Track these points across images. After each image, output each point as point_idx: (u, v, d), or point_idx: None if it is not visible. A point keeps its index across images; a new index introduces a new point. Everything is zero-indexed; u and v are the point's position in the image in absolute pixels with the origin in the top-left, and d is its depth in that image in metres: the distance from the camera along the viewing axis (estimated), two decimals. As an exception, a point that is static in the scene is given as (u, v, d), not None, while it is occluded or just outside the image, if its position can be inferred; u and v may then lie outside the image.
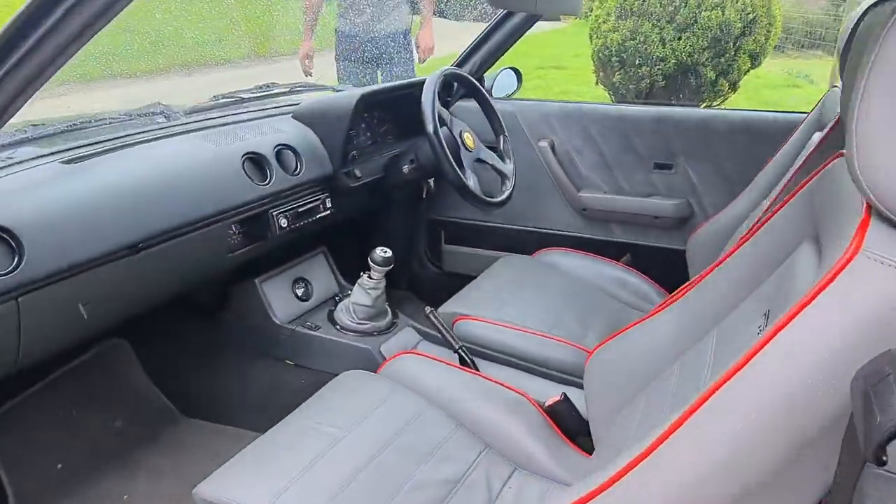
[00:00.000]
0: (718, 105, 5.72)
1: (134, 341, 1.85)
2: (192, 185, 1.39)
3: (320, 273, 1.97)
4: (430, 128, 1.69)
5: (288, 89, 2.01)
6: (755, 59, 5.48)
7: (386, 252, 1.69)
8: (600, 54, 5.69)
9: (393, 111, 2.16)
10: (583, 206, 2.25)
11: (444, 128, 1.78)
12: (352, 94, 1.77)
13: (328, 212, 1.81)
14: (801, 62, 8.99)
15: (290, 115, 1.84)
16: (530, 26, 2.19)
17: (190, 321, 1.92)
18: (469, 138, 1.89)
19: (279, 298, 1.83)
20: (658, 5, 5.15)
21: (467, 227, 2.48)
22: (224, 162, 1.50)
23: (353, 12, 3.52)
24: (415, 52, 3.60)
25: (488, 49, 2.24)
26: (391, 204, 2.31)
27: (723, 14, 5.04)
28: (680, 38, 5.21)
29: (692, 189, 2.13)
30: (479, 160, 1.92)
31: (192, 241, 1.38)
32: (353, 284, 1.79)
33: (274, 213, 1.63)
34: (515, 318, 1.66)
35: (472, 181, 1.79)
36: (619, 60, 5.54)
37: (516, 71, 2.49)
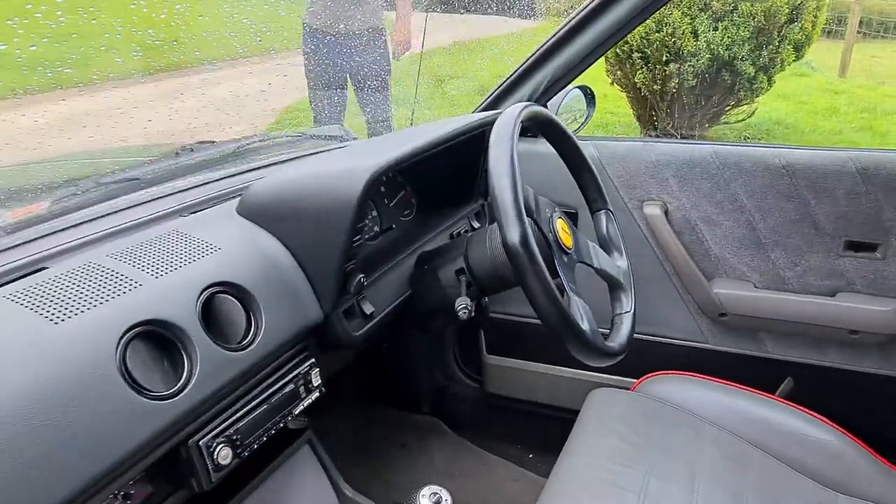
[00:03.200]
0: (750, 103, 4.94)
1: None
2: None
3: (304, 483, 1.10)
4: (515, 237, 0.84)
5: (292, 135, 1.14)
6: (799, 51, 4.70)
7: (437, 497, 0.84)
8: (617, 49, 4.86)
9: (407, 169, 1.30)
10: (717, 305, 1.42)
11: (529, 220, 0.92)
12: (355, 171, 0.90)
13: (315, 394, 0.95)
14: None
15: (236, 206, 0.97)
16: (619, 39, 1.34)
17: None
18: (564, 229, 1.04)
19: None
20: (689, -11, 4.34)
21: (522, 330, 1.63)
22: (76, 357, 0.64)
23: (321, 3, 2.83)
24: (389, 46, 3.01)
25: (554, 71, 1.39)
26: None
27: (768, -2, 4.24)
28: (716, 29, 4.40)
29: (910, 282, 1.31)
30: (583, 263, 1.07)
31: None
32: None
33: (202, 444, 0.77)
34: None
35: (584, 318, 0.94)
36: (641, 57, 4.71)
37: (586, 90, 1.63)
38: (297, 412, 0.91)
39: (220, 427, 0.79)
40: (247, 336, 0.83)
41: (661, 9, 4.47)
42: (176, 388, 0.73)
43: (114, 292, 0.73)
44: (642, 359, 1.46)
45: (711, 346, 1.47)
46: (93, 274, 0.75)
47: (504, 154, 0.88)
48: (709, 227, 1.41)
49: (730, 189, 1.37)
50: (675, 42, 4.48)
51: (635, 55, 4.72)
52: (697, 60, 4.51)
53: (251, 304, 0.84)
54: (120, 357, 0.68)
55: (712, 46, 4.42)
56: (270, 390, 0.87)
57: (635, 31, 4.60)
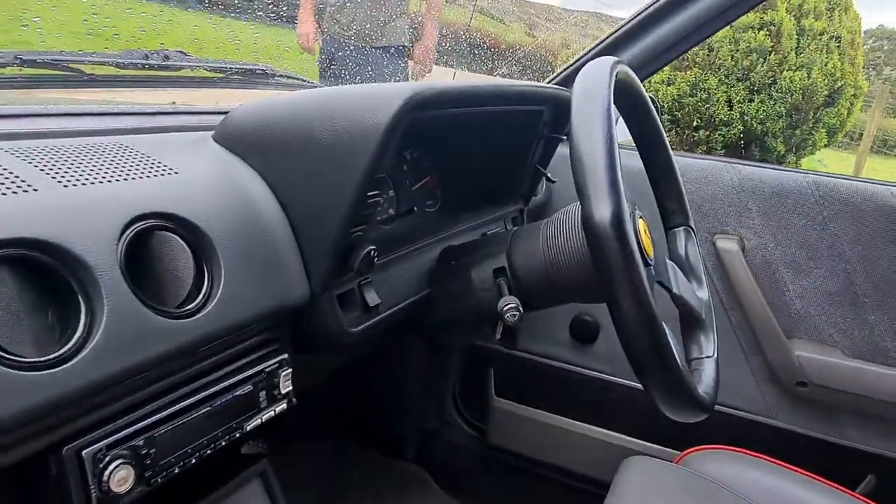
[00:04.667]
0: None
1: None
2: None
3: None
4: (605, 212, 0.57)
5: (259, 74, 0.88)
6: (832, 136, 4.56)
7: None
8: (646, 110, 4.71)
9: (438, 147, 1.05)
10: (796, 371, 1.14)
11: None
12: (387, 92, 0.63)
13: (281, 405, 0.66)
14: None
15: (212, 133, 0.70)
16: (730, 21, 1.11)
17: None
18: (647, 234, 0.77)
19: None
20: (729, 58, 4.21)
21: (543, 372, 1.34)
22: None
23: (345, 13, 2.68)
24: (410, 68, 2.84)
25: (654, 45, 1.15)
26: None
27: (808, 77, 4.11)
28: (752, 101, 4.26)
29: None
30: (660, 285, 0.80)
31: None
32: None
33: (86, 454, 0.47)
34: None
35: (678, 354, 0.65)
36: (671, 119, 4.56)
37: (652, 100, 1.39)
38: (250, 428, 0.62)
39: (123, 432, 0.50)
40: (192, 299, 0.54)
41: (700, 72, 4.33)
42: (58, 354, 0.44)
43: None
44: (685, 426, 1.18)
45: (778, 422, 1.19)
46: None
47: (597, 103, 0.62)
48: (794, 275, 1.14)
49: (828, 230, 1.11)
50: (707, 109, 4.33)
51: (664, 116, 4.57)
52: (729, 130, 4.35)
53: (207, 255, 0.56)
54: None
55: (746, 118, 4.27)
56: (215, 388, 0.58)
57: (668, 92, 4.46)
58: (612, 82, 0.67)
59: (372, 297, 0.72)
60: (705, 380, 0.78)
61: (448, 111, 0.76)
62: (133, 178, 0.56)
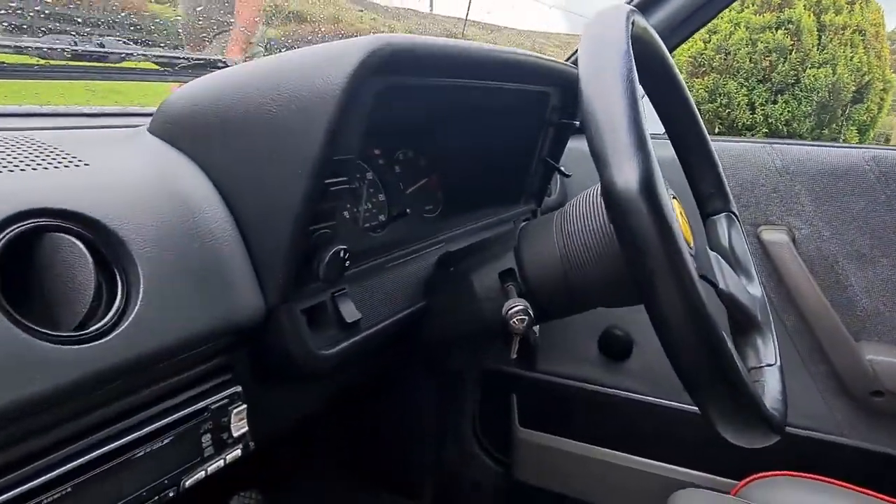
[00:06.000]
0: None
1: None
2: None
3: None
4: (632, 175, 0.43)
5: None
6: (863, 133, 4.35)
7: None
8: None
9: (433, 143, 0.92)
10: (869, 379, 0.97)
11: None
12: (344, 50, 0.50)
13: (234, 452, 0.52)
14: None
15: (147, 125, 0.58)
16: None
17: None
18: (683, 217, 0.63)
19: None
20: (747, 60, 4.06)
21: (573, 396, 1.19)
22: None
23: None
24: None
25: (678, 8, 1.02)
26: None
27: (834, 73, 3.93)
28: (776, 102, 4.09)
29: None
30: (704, 280, 0.65)
31: None
32: None
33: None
34: None
35: (739, 364, 0.50)
36: (690, 127, 4.40)
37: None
38: (189, 483, 0.48)
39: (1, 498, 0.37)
40: (97, 319, 0.42)
41: (717, 77, 4.18)
42: None
43: None
44: (741, 451, 1.01)
45: (851, 440, 1.02)
46: None
47: (612, 46, 0.49)
48: (857, 266, 0.98)
49: (894, 211, 0.95)
50: (729, 114, 4.17)
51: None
52: (753, 135, 4.18)
53: (120, 264, 0.44)
54: None
55: (770, 120, 4.10)
56: (137, 433, 0.45)
57: (686, 100, 4.32)
58: (629, 26, 0.53)
59: (350, 312, 0.58)
60: (771, 393, 0.63)
61: (431, 81, 0.63)
62: (22, 170, 0.44)
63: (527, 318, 0.58)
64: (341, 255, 0.54)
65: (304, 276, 0.54)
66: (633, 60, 0.49)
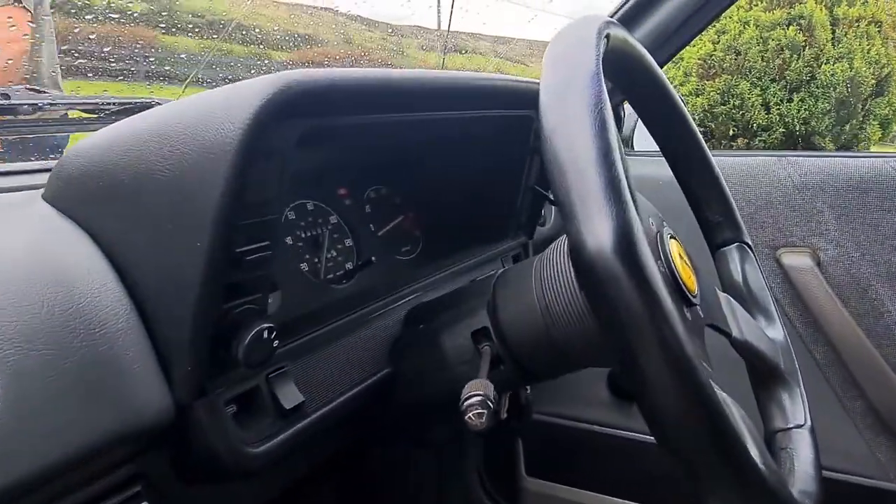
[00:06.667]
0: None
1: None
2: None
3: None
4: (604, 231, 0.34)
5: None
6: (885, 128, 4.19)
7: None
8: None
9: (407, 177, 0.83)
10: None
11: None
12: (241, 92, 0.41)
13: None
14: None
15: (41, 191, 0.50)
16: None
17: None
18: (682, 257, 0.53)
19: None
20: (759, 59, 3.93)
21: (583, 441, 1.08)
22: None
23: None
24: None
25: (665, 21, 0.93)
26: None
27: (851, 67, 3.79)
28: (791, 101, 3.96)
29: None
30: (713, 328, 0.55)
31: None
32: None
33: None
34: None
35: (750, 436, 0.40)
36: (703, 131, 4.27)
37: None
38: None
39: None
40: None
41: (729, 78, 4.06)
42: None
43: None
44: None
45: (881, 482, 0.90)
46: None
47: (578, 68, 0.41)
48: (892, 290, 0.87)
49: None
50: (743, 115, 4.04)
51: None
52: (769, 135, 4.04)
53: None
54: None
55: (786, 119, 3.96)
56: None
57: (697, 104, 4.20)
58: (601, 42, 0.44)
59: (289, 395, 0.49)
60: (801, 468, 0.52)
61: (368, 119, 0.54)
62: None
63: (485, 410, 0.48)
64: (265, 335, 0.45)
65: (226, 361, 0.45)
66: (604, 84, 0.40)
